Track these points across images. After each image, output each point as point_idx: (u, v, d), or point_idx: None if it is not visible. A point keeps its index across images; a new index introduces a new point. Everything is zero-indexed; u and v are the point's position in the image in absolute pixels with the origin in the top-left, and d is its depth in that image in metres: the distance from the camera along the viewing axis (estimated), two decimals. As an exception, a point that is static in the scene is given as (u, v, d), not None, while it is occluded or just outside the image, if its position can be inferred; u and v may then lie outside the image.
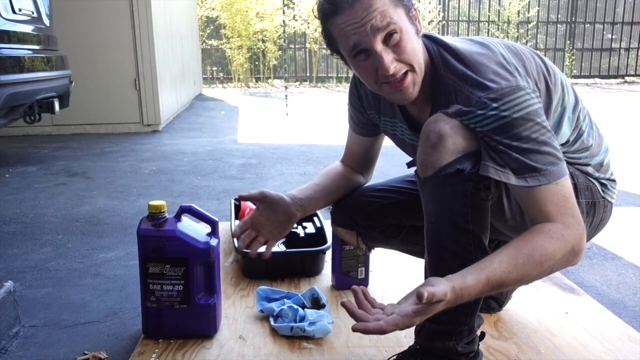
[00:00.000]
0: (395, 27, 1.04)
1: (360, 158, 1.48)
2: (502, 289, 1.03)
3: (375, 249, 1.56)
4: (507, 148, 1.02)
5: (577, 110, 1.21)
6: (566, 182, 1.04)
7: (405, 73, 1.08)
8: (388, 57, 1.05)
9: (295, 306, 1.49)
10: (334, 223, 1.51)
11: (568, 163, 1.22)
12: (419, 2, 11.61)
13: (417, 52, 1.08)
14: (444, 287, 0.93)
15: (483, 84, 1.04)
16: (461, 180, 1.06)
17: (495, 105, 1.02)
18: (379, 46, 1.04)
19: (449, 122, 1.06)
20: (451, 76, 1.09)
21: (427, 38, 1.17)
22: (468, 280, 0.97)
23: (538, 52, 1.21)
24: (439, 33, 11.66)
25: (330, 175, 1.47)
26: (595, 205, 1.24)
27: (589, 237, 1.31)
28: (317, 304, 1.54)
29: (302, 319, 1.46)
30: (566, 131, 1.19)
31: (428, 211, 1.13)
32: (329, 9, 1.06)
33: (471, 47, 1.11)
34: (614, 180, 1.30)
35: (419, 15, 1.11)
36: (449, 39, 1.15)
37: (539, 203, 1.03)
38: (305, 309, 1.50)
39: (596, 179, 1.26)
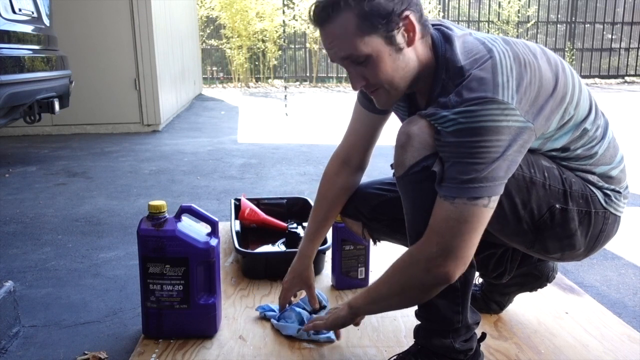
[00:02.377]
0: (360, 56, 1.06)
1: (363, 141, 1.45)
2: (383, 302, 1.21)
3: (381, 241, 1.55)
4: (449, 150, 1.03)
5: (585, 122, 1.17)
6: (464, 207, 1.02)
7: (377, 88, 1.12)
8: (356, 77, 1.11)
9: (298, 309, 1.49)
10: (341, 213, 1.52)
11: (567, 168, 1.20)
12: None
13: (391, 71, 1.08)
14: (333, 315, 1.30)
15: (460, 92, 1.03)
16: (427, 177, 1.07)
17: (459, 109, 1.01)
18: (347, 66, 1.11)
19: (418, 122, 1.07)
20: (450, 83, 1.08)
21: (439, 32, 1.13)
22: (358, 296, 1.26)
23: (558, 61, 1.14)
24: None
25: (331, 198, 1.49)
26: (591, 215, 1.20)
27: (590, 249, 1.24)
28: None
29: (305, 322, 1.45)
30: (563, 138, 1.16)
31: (405, 210, 1.16)
32: (311, 21, 1.11)
33: (477, 54, 1.07)
34: (619, 192, 1.24)
35: (413, 22, 1.06)
36: (460, 38, 1.11)
37: (434, 211, 1.07)
38: (310, 314, 1.49)
39: (599, 188, 1.21)
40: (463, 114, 1.00)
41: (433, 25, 1.15)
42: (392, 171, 1.17)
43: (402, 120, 1.35)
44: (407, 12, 1.05)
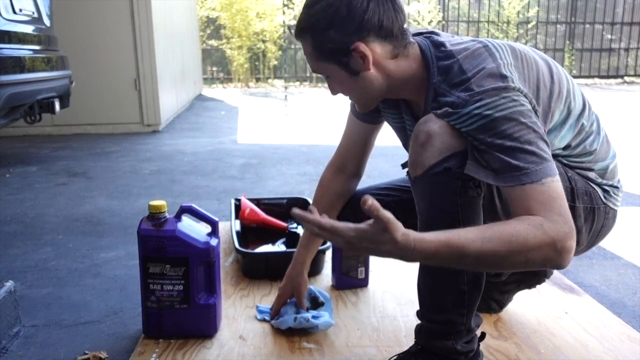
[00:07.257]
0: (325, 73, 1.18)
1: (357, 149, 1.47)
2: (466, 259, 0.94)
3: None
4: (489, 147, 1.01)
5: (582, 116, 1.20)
6: (553, 184, 0.98)
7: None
8: (330, 85, 1.21)
9: (293, 307, 1.50)
10: (339, 219, 1.51)
11: (568, 167, 1.22)
12: (419, 1, 11.61)
13: (351, 90, 1.18)
14: (398, 224, 0.91)
15: (470, 88, 1.04)
16: (449, 178, 1.06)
17: (478, 104, 1.01)
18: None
19: (437, 122, 1.07)
20: (444, 86, 1.09)
21: (429, 40, 1.16)
22: (427, 236, 0.94)
23: (548, 58, 1.19)
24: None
25: (325, 204, 1.48)
26: (594, 211, 1.23)
27: (591, 244, 1.30)
28: (315, 303, 1.54)
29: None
30: (567, 136, 1.18)
31: (420, 210, 1.14)
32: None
33: (472, 53, 1.09)
34: (617, 187, 1.28)
35: (368, 52, 1.09)
36: (451, 42, 1.13)
37: (521, 200, 0.98)
38: (307, 310, 1.50)
39: (598, 184, 1.24)
40: (485, 107, 1.01)
41: (423, 34, 1.19)
42: (405, 170, 1.16)
43: (397, 131, 1.36)
44: (357, 44, 1.09)
